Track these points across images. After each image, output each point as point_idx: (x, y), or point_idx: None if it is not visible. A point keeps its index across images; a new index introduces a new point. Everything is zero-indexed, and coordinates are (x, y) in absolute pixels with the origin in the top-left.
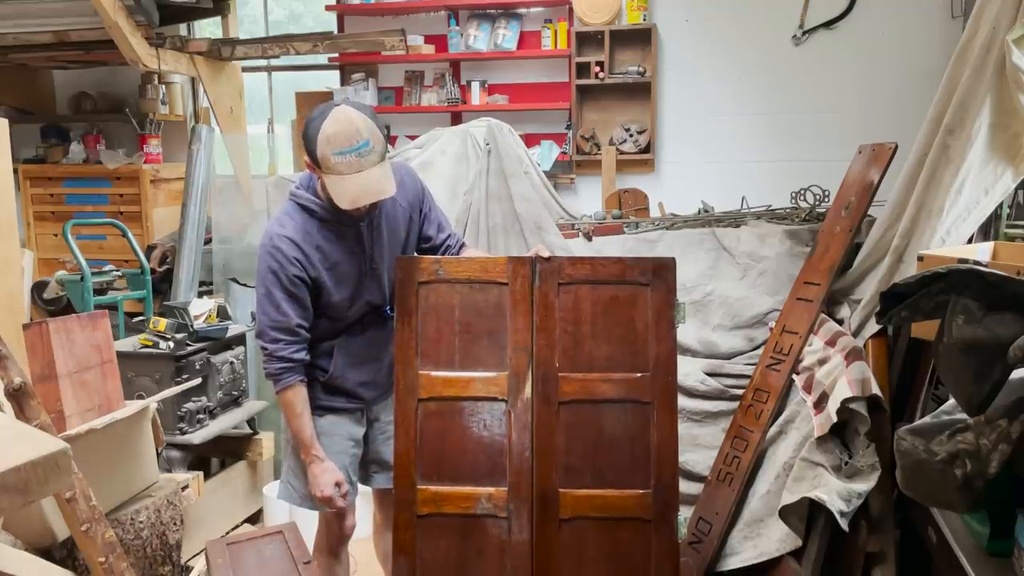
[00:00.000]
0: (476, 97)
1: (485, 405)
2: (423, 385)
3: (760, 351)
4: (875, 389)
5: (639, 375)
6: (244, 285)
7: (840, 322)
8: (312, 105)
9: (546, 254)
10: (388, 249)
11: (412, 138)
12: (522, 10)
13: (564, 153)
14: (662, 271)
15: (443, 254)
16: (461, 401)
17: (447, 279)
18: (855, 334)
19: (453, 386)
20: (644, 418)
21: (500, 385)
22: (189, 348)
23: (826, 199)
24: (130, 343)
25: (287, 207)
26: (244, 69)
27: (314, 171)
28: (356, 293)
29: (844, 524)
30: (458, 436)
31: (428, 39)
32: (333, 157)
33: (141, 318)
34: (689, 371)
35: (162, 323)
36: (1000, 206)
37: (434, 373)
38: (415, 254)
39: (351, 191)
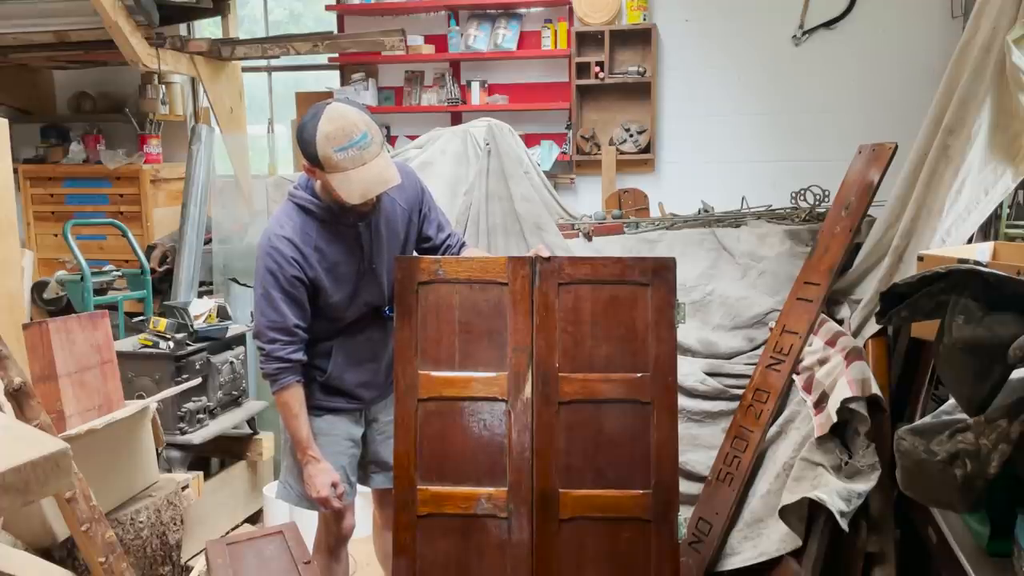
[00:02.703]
0: (476, 97)
1: (485, 405)
2: (423, 385)
3: (760, 351)
4: (875, 389)
5: (639, 375)
6: (244, 285)
7: (840, 322)
8: (312, 105)
9: (546, 254)
10: (387, 249)
11: (412, 138)
12: (522, 10)
13: (564, 153)
14: (662, 271)
15: (443, 254)
16: (461, 401)
17: (447, 279)
18: (855, 334)
19: (453, 386)
20: (644, 418)
21: (500, 385)
22: (189, 348)
23: (826, 199)
24: (130, 343)
25: (285, 207)
26: (244, 69)
27: (313, 174)
28: (354, 293)
29: (844, 524)
30: (458, 436)
31: (428, 39)
32: (336, 155)
33: (141, 318)
34: (689, 371)
35: (162, 323)
36: (1000, 206)
37: (434, 373)
38: (415, 254)
39: (359, 185)
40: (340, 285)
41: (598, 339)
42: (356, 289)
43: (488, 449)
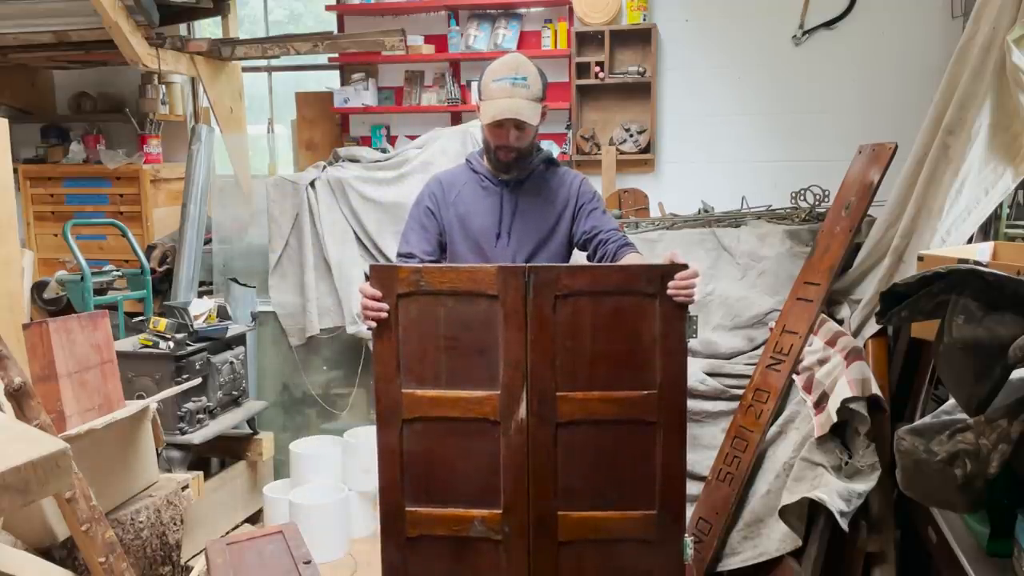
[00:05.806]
0: (476, 97)
1: (475, 425)
2: (407, 405)
3: (760, 351)
4: (875, 389)
5: (645, 393)
6: (244, 285)
7: (840, 322)
8: (312, 104)
9: (681, 260)
10: (529, 224)
11: (412, 138)
12: (522, 10)
13: (564, 153)
14: (672, 279)
15: (599, 248)
16: (449, 421)
17: (429, 290)
18: (855, 334)
19: (440, 405)
20: (650, 439)
21: (492, 404)
22: (189, 348)
23: (826, 199)
24: (130, 343)
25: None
26: (244, 69)
27: (478, 110)
28: (481, 252)
29: (844, 524)
30: (448, 458)
31: (428, 39)
32: (492, 84)
33: (141, 318)
34: (689, 371)
35: (162, 323)
36: (1000, 206)
37: (419, 392)
38: (569, 248)
39: (493, 110)
40: (468, 239)
41: (599, 355)
42: (484, 250)
43: (481, 470)
